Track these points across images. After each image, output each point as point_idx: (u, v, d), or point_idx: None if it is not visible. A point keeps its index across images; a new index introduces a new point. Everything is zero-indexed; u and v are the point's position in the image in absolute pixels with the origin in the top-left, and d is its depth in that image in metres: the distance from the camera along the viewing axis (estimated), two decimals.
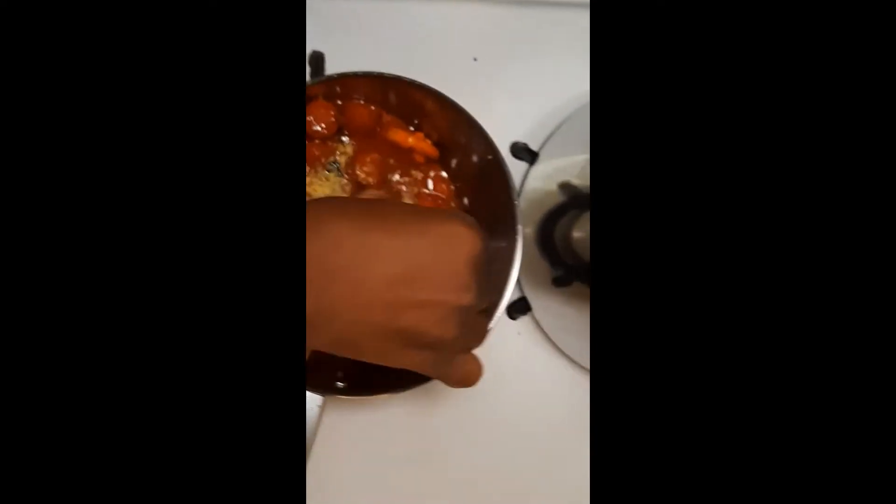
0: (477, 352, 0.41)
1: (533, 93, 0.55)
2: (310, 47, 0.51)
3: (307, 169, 0.48)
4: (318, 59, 0.51)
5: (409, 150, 0.49)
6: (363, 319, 0.32)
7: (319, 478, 0.51)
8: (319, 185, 0.48)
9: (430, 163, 0.50)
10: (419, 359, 0.35)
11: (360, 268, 0.31)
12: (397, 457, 0.53)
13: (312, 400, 0.42)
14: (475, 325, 0.38)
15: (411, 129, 0.49)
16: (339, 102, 0.47)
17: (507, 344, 0.56)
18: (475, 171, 0.48)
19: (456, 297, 0.33)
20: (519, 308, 0.55)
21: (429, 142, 0.49)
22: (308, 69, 0.51)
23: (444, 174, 0.50)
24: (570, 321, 0.54)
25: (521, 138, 0.55)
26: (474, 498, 0.54)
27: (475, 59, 0.54)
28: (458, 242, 0.33)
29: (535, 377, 0.56)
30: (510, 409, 0.56)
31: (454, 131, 0.47)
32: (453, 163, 0.50)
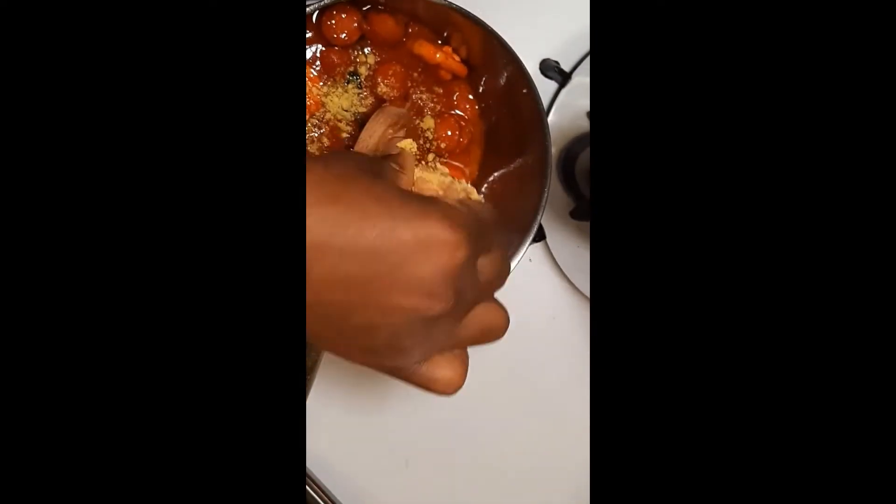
0: None
1: (569, 5, 0.51)
2: None
3: (325, 78, 0.45)
4: None
5: (436, 67, 0.45)
6: (316, 305, 0.28)
7: (320, 401, 0.50)
8: (337, 97, 0.45)
9: (456, 80, 0.46)
10: (374, 361, 0.32)
11: (313, 252, 0.27)
12: (396, 383, 0.53)
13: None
14: (454, 329, 0.33)
15: (439, 42, 0.45)
16: (365, 9, 0.43)
17: (516, 269, 0.54)
18: (503, 92, 0.45)
19: (419, 307, 0.29)
20: (533, 235, 0.53)
21: (457, 58, 0.45)
22: None
23: (468, 94, 0.47)
24: (584, 256, 0.53)
25: (554, 55, 0.51)
26: (474, 423, 0.54)
27: None
28: (435, 250, 0.28)
29: (542, 306, 0.55)
30: (512, 337, 0.55)
31: (484, 47, 0.44)
32: (482, 81, 0.46)
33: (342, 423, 0.53)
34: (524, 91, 0.43)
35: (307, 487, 0.51)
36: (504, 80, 0.45)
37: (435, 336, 0.31)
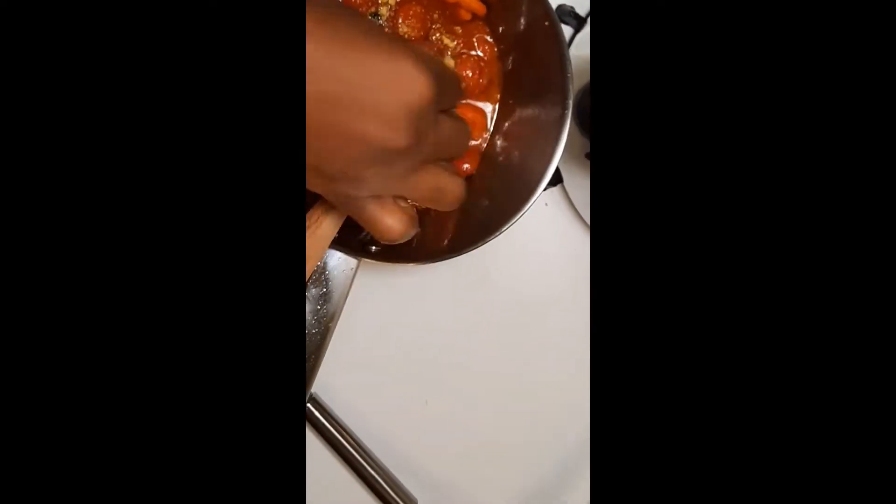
0: None
1: None
2: None
3: None
4: None
5: (455, 6, 0.46)
6: None
7: (343, 340, 0.51)
8: None
9: (475, 21, 0.47)
10: (329, 186, 0.33)
11: (308, 74, 0.29)
12: (418, 324, 0.54)
13: (347, 263, 0.41)
14: (414, 177, 0.34)
15: None
16: None
17: (532, 213, 0.55)
18: (523, 33, 0.46)
19: (381, 136, 0.30)
20: (549, 179, 0.54)
21: None
22: None
23: (487, 32, 0.48)
24: None
25: (568, 1, 0.52)
26: (491, 364, 0.55)
27: None
28: (404, 85, 0.30)
29: (560, 249, 0.55)
30: (531, 280, 0.56)
31: None
32: (501, 22, 0.47)
33: (364, 365, 0.54)
34: (546, 26, 0.43)
35: (332, 430, 0.52)
36: (524, 20, 0.45)
37: (390, 175, 0.32)
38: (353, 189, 0.33)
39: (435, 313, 0.54)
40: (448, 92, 0.34)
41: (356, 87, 0.29)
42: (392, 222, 0.35)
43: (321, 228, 0.37)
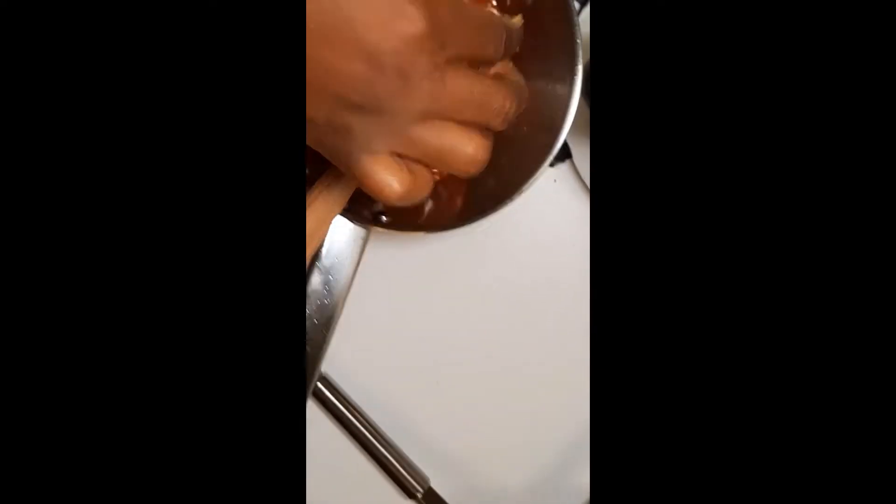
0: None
1: None
2: None
3: None
4: None
5: None
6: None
7: (354, 318, 0.51)
8: None
9: None
10: (318, 142, 0.31)
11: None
12: (430, 303, 0.54)
13: (356, 232, 0.41)
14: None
15: None
16: None
17: (541, 190, 0.55)
18: (531, 5, 0.46)
19: (361, 76, 0.28)
20: (558, 155, 0.53)
21: None
22: None
23: (495, 5, 0.47)
24: None
25: None
26: (506, 341, 0.55)
27: None
28: (390, 19, 0.28)
29: (569, 227, 0.55)
30: (540, 259, 0.55)
31: None
32: None
33: (375, 344, 0.54)
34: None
35: (343, 409, 0.52)
36: None
37: (381, 126, 0.30)
38: (343, 142, 0.31)
39: (447, 292, 0.54)
40: (461, 38, 0.31)
41: (342, 19, 0.27)
42: (386, 178, 0.32)
43: (333, 193, 0.37)
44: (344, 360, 0.52)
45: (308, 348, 0.41)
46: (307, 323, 0.41)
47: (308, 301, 0.40)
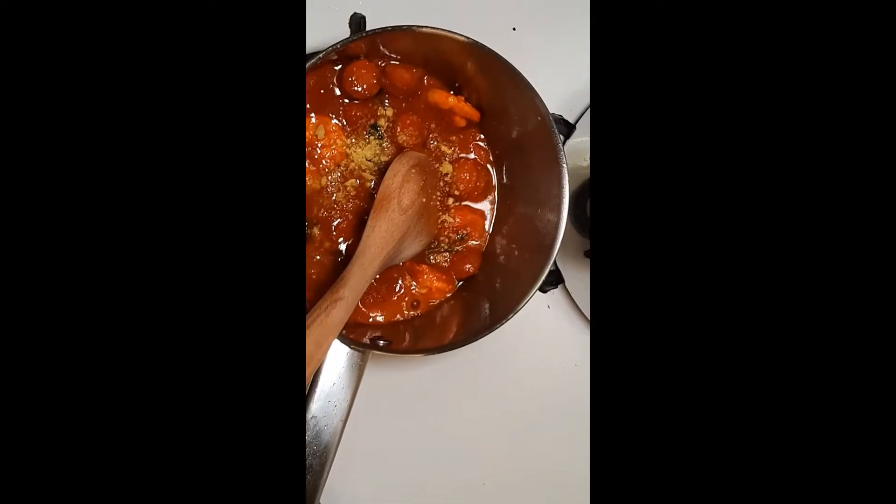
0: (507, 324, 0.43)
1: (571, 64, 0.55)
2: (351, 9, 0.51)
3: (348, 131, 0.48)
4: (359, 21, 0.50)
5: (450, 113, 0.48)
6: None
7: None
8: (360, 148, 0.48)
9: (470, 128, 0.50)
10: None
11: None
12: (426, 417, 0.54)
13: (354, 358, 0.42)
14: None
15: (451, 92, 0.49)
16: (382, 64, 0.47)
17: (537, 317, 0.56)
18: (517, 139, 0.48)
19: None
20: (550, 280, 0.55)
21: (469, 104, 0.48)
22: (349, 31, 0.51)
23: (482, 139, 0.50)
24: None
25: (558, 110, 0.55)
26: (499, 464, 0.55)
27: (514, 29, 0.54)
28: None
29: (566, 351, 0.56)
30: (536, 385, 0.56)
31: (497, 93, 0.47)
32: (495, 130, 0.49)
33: (371, 469, 0.53)
34: (541, 134, 0.45)
35: None
36: (518, 127, 0.48)
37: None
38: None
39: (441, 401, 0.54)
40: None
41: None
42: None
43: (331, 316, 0.38)
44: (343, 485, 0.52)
45: (308, 476, 0.41)
46: (307, 450, 0.41)
47: (307, 428, 0.40)
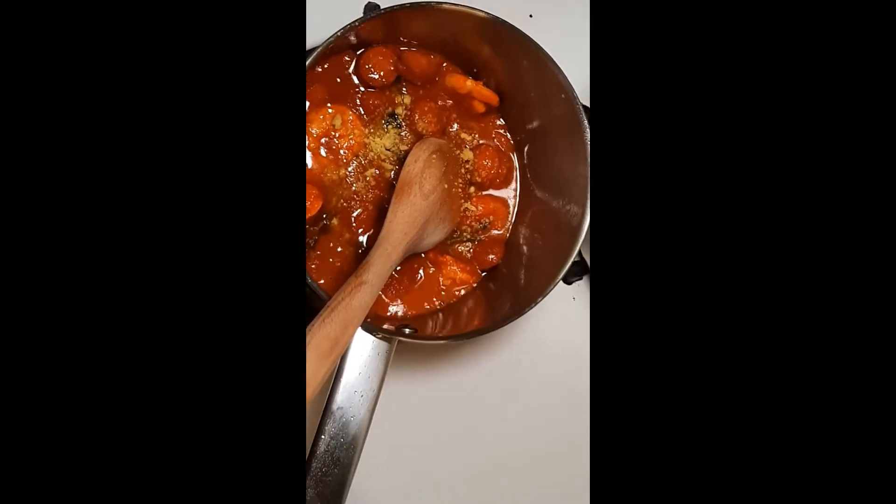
0: (532, 316, 0.42)
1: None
2: None
3: (366, 120, 0.47)
4: (374, 9, 0.50)
5: (468, 98, 0.48)
6: None
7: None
8: (379, 137, 0.47)
9: (489, 114, 0.49)
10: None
11: None
12: (449, 411, 0.52)
13: (380, 346, 0.41)
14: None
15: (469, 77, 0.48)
16: (400, 50, 0.46)
17: (561, 309, 0.54)
18: (539, 121, 0.48)
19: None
20: (575, 271, 0.54)
21: (488, 88, 0.48)
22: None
23: (502, 125, 0.49)
24: None
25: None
26: (520, 451, 0.53)
27: (531, 16, 0.54)
28: None
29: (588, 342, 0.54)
30: (558, 379, 0.54)
31: (517, 75, 0.46)
32: (514, 112, 0.49)
33: (394, 473, 0.52)
34: (568, 116, 0.44)
35: None
36: (538, 107, 0.47)
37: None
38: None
39: (466, 393, 0.53)
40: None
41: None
42: None
43: (356, 300, 0.37)
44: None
45: (336, 469, 0.39)
46: (334, 443, 0.39)
47: (333, 419, 0.39)
